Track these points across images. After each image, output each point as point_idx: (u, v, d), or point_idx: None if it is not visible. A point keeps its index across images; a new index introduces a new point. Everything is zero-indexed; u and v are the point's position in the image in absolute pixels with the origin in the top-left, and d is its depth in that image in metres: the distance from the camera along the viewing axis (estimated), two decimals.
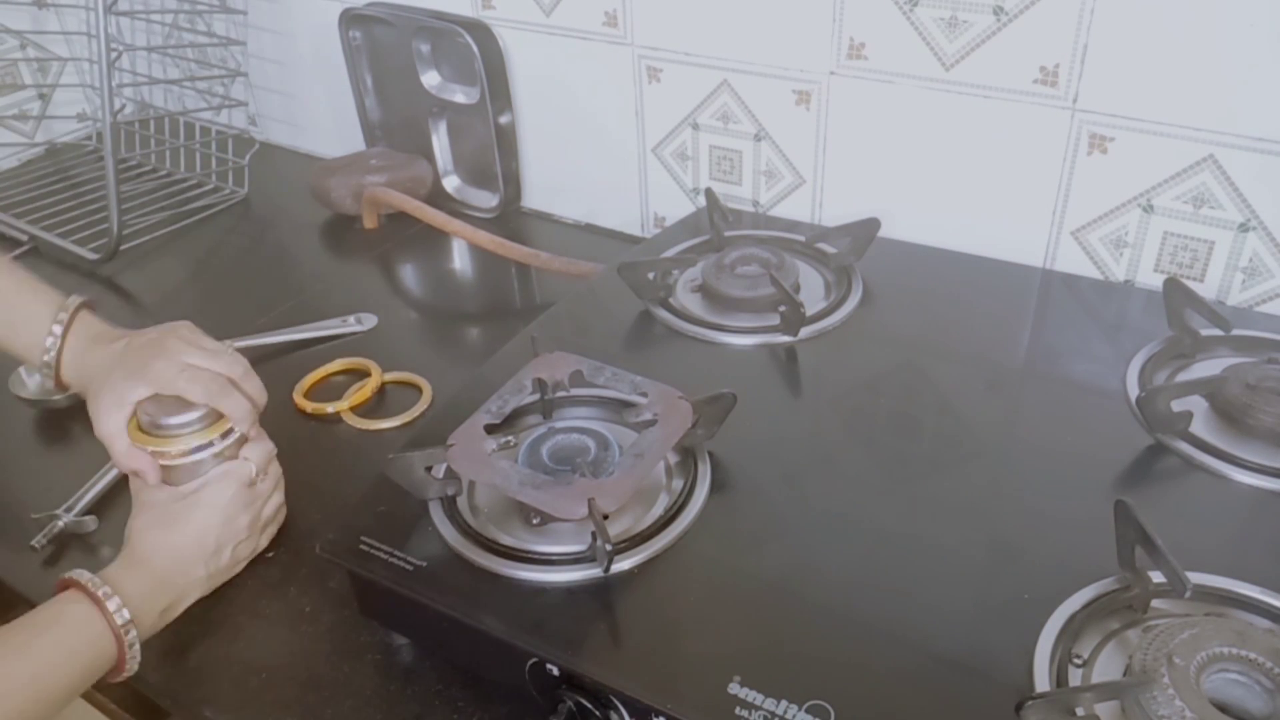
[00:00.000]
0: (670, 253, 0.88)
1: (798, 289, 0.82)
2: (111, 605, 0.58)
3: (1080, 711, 0.46)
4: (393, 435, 0.82)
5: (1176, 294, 0.72)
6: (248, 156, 1.25)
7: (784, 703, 0.47)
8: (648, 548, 0.57)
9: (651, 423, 0.62)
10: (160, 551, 0.64)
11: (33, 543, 0.72)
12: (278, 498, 0.72)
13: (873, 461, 0.64)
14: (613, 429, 0.65)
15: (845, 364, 0.74)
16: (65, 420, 0.86)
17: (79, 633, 0.58)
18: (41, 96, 1.39)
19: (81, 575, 0.60)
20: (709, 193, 0.92)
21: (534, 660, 0.53)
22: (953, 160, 0.87)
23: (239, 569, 0.69)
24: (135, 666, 0.60)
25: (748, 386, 0.66)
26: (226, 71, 1.33)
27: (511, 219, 1.16)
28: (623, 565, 0.56)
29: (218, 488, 0.66)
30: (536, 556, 0.57)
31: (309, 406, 0.85)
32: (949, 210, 0.89)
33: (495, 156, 1.12)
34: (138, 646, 0.59)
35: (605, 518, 0.55)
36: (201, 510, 0.65)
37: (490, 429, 0.63)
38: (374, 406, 0.86)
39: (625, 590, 0.55)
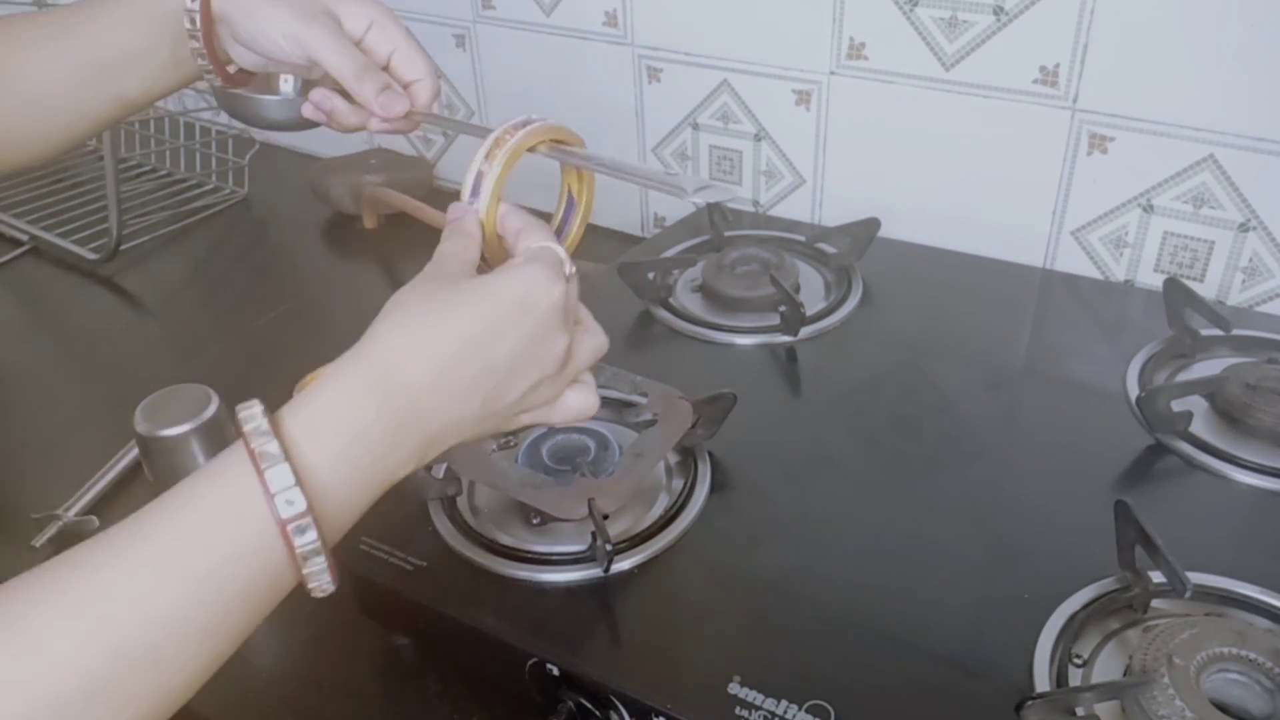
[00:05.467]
0: (670, 253, 0.88)
1: (798, 289, 0.82)
2: (274, 479, 0.34)
3: (1080, 711, 0.46)
4: None
5: (1176, 294, 0.72)
6: (248, 156, 1.25)
7: (784, 703, 0.47)
8: (648, 548, 0.57)
9: (651, 423, 0.62)
10: (409, 366, 0.38)
11: (33, 543, 0.72)
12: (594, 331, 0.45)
13: (873, 461, 0.64)
14: (613, 429, 0.65)
15: (845, 364, 0.74)
16: (66, 420, 0.85)
17: (222, 521, 0.35)
18: None
19: (249, 414, 0.35)
20: None
21: (534, 660, 0.53)
22: (953, 160, 0.87)
23: (516, 425, 0.44)
24: (327, 583, 0.36)
25: (748, 386, 0.66)
26: None
27: None
28: (623, 565, 0.56)
29: (525, 273, 0.41)
30: (536, 556, 0.57)
31: None
32: (949, 210, 0.89)
33: None
34: (320, 558, 0.35)
35: (605, 518, 0.55)
36: (495, 305, 0.39)
37: None
38: None
39: (625, 590, 0.55)
